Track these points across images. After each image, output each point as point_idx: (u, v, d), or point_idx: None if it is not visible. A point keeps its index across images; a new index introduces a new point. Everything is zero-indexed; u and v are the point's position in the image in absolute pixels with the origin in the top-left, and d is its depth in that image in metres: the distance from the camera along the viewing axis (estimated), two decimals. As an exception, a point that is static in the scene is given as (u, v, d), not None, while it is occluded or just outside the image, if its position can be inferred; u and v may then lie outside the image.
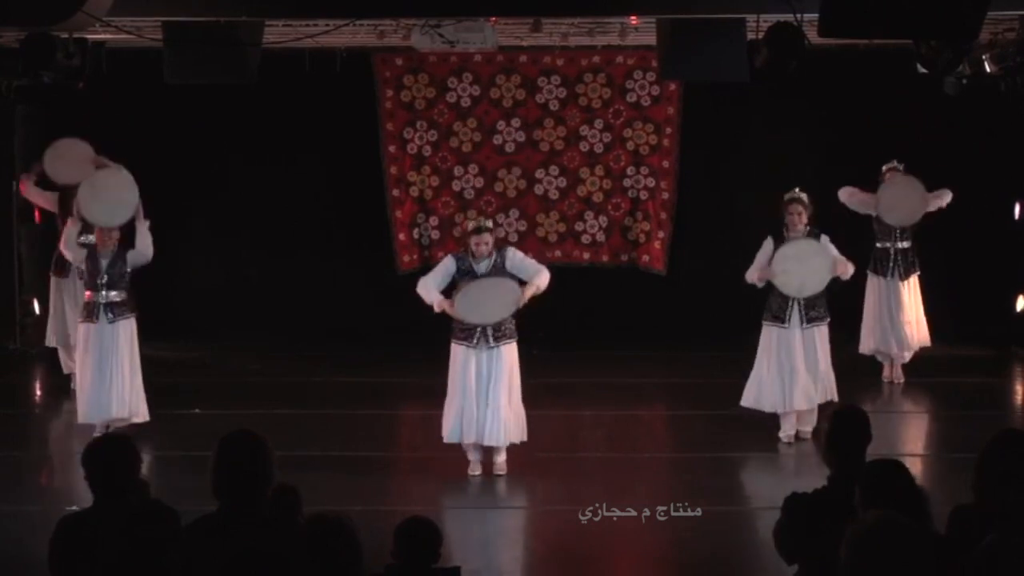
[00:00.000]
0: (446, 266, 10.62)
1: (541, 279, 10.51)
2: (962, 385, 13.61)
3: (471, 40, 11.55)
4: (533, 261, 10.78)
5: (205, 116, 15.04)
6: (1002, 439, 4.88)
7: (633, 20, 12.26)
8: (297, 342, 15.30)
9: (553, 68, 15.69)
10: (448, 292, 10.50)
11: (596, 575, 9.02)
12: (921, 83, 12.06)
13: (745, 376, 11.49)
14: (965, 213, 14.09)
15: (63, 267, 13.22)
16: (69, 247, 11.87)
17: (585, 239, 15.90)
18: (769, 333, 11.42)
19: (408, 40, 12.39)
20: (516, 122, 15.78)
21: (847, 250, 11.45)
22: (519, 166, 15.82)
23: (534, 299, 10.48)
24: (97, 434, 11.01)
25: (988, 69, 11.20)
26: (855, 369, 12.84)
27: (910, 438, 12.34)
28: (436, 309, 10.51)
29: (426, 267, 13.56)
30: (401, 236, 15.91)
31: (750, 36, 10.16)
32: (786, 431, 11.41)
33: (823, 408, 11.01)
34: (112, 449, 5.52)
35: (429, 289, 10.53)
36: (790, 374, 11.28)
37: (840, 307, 11.85)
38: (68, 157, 12.90)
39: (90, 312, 11.53)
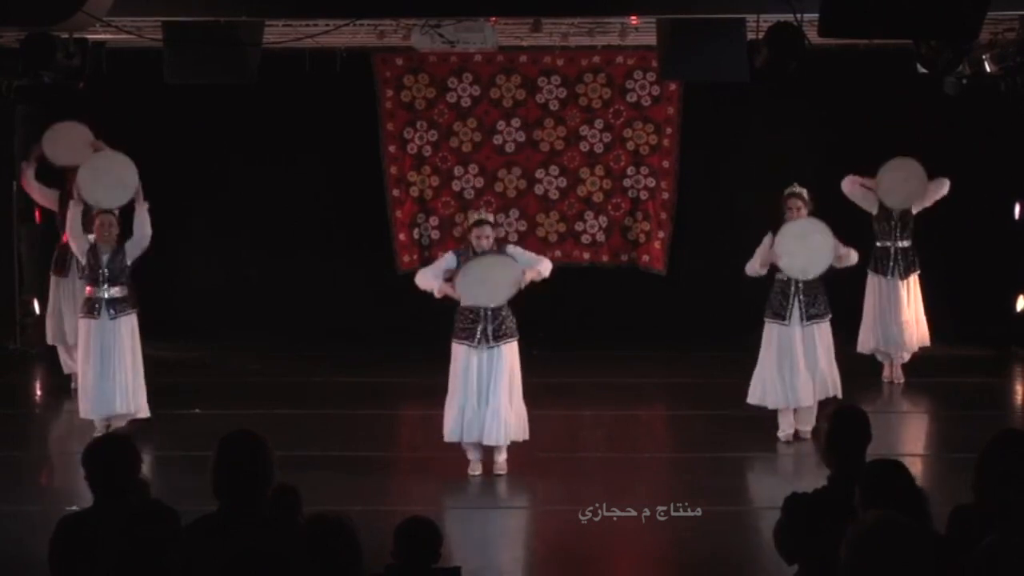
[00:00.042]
0: (446, 260, 10.59)
1: (543, 265, 10.49)
2: (962, 385, 13.60)
3: (471, 40, 11.55)
4: (534, 253, 10.78)
5: (205, 116, 15.03)
6: (1002, 439, 4.88)
7: (633, 20, 12.26)
8: (297, 342, 15.30)
9: (553, 68, 15.68)
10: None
11: (596, 575, 9.02)
12: (921, 83, 12.06)
13: (745, 375, 11.50)
14: (965, 213, 14.10)
15: (63, 266, 13.21)
16: (73, 233, 11.71)
17: (585, 239, 15.89)
18: (770, 330, 11.43)
19: (408, 40, 12.39)
20: (516, 122, 15.77)
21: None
22: (519, 166, 15.81)
23: (534, 298, 10.46)
24: (98, 432, 11.05)
25: (988, 69, 11.21)
26: (855, 369, 12.82)
27: (910, 438, 12.34)
28: (438, 295, 10.45)
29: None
30: (401, 236, 15.90)
31: (750, 36, 10.16)
32: (784, 430, 11.41)
33: (824, 405, 10.99)
34: (112, 449, 5.52)
35: (428, 278, 10.50)
36: (791, 371, 11.29)
37: (840, 307, 11.85)
38: (67, 140, 12.96)
39: (91, 308, 11.48)
